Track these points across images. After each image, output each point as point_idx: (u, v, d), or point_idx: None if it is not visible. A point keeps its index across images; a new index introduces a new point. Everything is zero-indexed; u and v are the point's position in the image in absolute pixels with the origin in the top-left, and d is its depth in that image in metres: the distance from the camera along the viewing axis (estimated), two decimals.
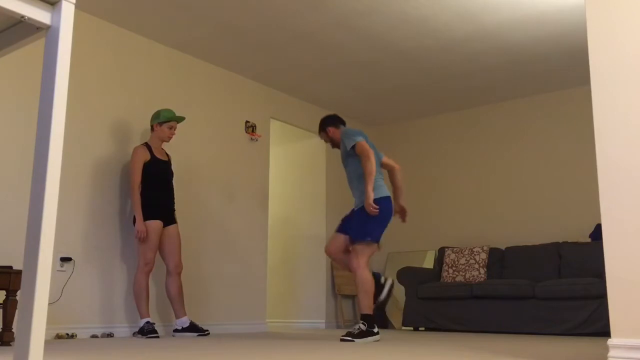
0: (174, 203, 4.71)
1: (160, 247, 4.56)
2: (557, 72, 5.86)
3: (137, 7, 4.61)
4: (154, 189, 4.55)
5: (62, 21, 1.12)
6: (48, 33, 1.13)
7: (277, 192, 7.00)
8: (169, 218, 4.61)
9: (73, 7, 1.13)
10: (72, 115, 4.48)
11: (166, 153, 4.78)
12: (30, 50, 4.30)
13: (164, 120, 4.64)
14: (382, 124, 7.46)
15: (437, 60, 5.62)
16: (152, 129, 4.68)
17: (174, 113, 4.70)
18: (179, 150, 5.11)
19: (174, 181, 4.75)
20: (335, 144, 4.53)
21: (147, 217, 4.45)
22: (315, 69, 5.81)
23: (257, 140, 6.04)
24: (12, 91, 4.20)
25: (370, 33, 5.05)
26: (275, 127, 6.70)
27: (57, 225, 4.22)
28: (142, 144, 4.65)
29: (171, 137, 4.71)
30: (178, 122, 4.73)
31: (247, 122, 5.96)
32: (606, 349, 2.23)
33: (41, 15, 1.11)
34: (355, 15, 4.74)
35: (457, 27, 4.95)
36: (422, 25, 4.91)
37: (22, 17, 1.09)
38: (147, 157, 4.57)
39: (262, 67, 5.75)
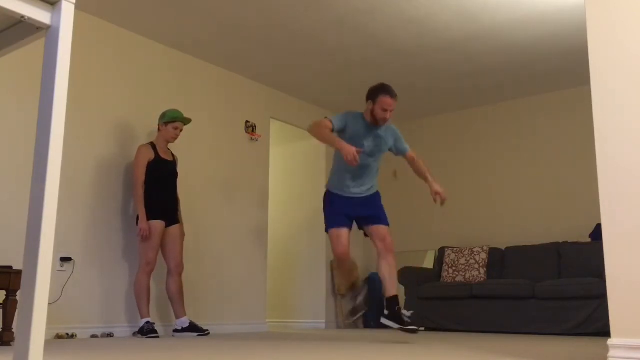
0: (177, 203, 4.71)
1: (162, 247, 4.56)
2: (557, 72, 5.86)
3: (137, 7, 4.61)
4: (156, 189, 4.55)
5: (62, 21, 1.12)
6: (48, 33, 1.13)
7: (277, 192, 7.00)
8: (171, 218, 4.61)
9: (73, 7, 1.13)
10: (72, 115, 4.49)
11: (172, 153, 4.78)
12: (31, 50, 4.30)
13: (169, 121, 4.64)
14: None
15: (437, 60, 5.62)
16: (159, 128, 4.69)
17: (181, 114, 4.69)
18: (179, 150, 5.10)
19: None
20: (385, 120, 4.08)
21: (149, 216, 4.45)
22: (316, 69, 5.81)
23: (257, 140, 6.04)
24: (12, 91, 4.20)
25: (371, 33, 5.05)
26: (275, 127, 6.70)
27: (57, 225, 4.23)
28: (147, 143, 4.65)
29: (176, 138, 4.71)
30: (184, 124, 4.73)
31: (247, 122, 5.96)
32: (606, 349, 2.23)
33: (41, 15, 1.11)
34: (356, 15, 4.74)
35: (457, 27, 4.95)
36: (422, 25, 4.91)
37: (22, 17, 1.09)
38: (152, 156, 4.57)
39: (262, 67, 5.75)
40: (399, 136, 4.28)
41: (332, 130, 4.01)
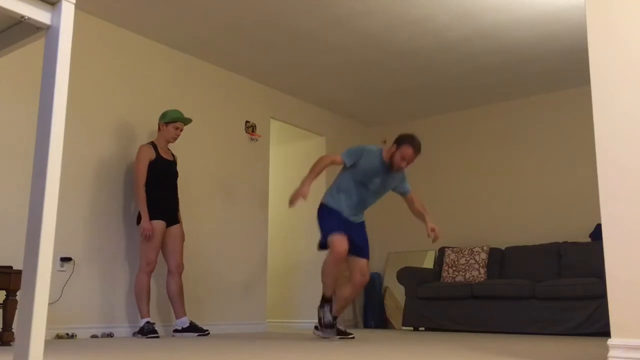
0: (177, 203, 4.71)
1: (162, 247, 4.56)
2: (557, 72, 5.86)
3: (137, 7, 4.61)
4: (157, 189, 4.55)
5: (62, 21, 1.12)
6: (48, 33, 1.13)
7: (277, 192, 7.00)
8: (172, 218, 4.61)
9: (73, 7, 1.13)
10: (72, 115, 4.49)
11: (172, 153, 4.78)
12: (31, 50, 4.30)
13: (170, 121, 4.64)
14: (382, 124, 7.46)
15: (437, 60, 5.62)
16: (159, 128, 4.69)
17: (181, 114, 4.70)
18: (179, 150, 5.10)
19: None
20: (400, 169, 4.23)
21: (150, 216, 4.45)
22: (315, 69, 5.81)
23: (257, 140, 6.04)
24: (12, 91, 4.20)
25: (371, 33, 5.05)
26: (275, 127, 6.70)
27: (57, 225, 4.23)
28: (148, 143, 4.65)
29: (176, 138, 4.71)
30: (185, 124, 4.73)
31: (247, 122, 5.96)
32: (606, 349, 2.23)
33: (41, 15, 1.11)
34: (356, 15, 4.74)
35: (457, 27, 4.95)
36: (422, 25, 4.91)
37: (22, 17, 1.09)
38: (152, 155, 4.57)
39: (262, 67, 5.75)
40: (404, 177, 4.40)
41: (344, 165, 4.24)
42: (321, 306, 4.24)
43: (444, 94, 6.48)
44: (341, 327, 4.38)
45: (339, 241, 4.07)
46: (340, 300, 4.26)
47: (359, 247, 4.26)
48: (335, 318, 4.26)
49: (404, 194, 4.45)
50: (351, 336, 4.30)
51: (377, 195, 4.33)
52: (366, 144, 4.37)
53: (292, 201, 4.02)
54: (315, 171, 4.15)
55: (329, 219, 4.23)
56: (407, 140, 4.17)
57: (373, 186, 4.25)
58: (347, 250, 4.08)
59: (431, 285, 5.95)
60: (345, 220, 4.25)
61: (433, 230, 4.26)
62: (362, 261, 4.25)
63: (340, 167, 4.42)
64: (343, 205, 4.25)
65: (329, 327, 4.20)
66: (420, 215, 4.46)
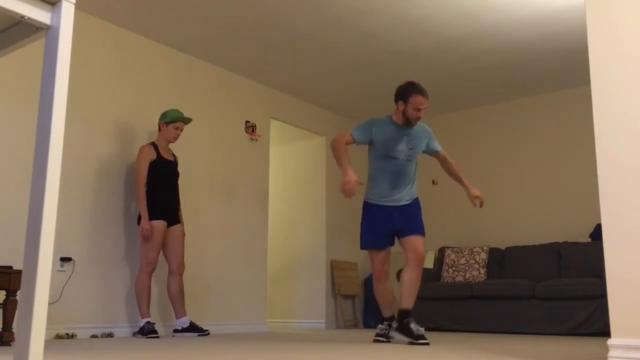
0: (178, 203, 4.71)
1: (163, 247, 4.56)
2: (557, 72, 5.86)
3: (137, 7, 4.61)
4: (158, 189, 4.55)
5: (62, 21, 1.12)
6: (48, 33, 1.13)
7: (277, 192, 7.00)
8: (173, 218, 4.61)
9: (73, 7, 1.13)
10: (72, 115, 4.49)
11: (173, 153, 4.78)
12: (31, 50, 4.30)
13: (170, 121, 4.64)
14: None
15: (436, 60, 5.62)
16: (159, 128, 4.68)
17: (181, 114, 4.69)
18: (179, 150, 5.10)
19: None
20: (418, 119, 3.98)
21: (151, 216, 4.45)
22: (315, 69, 5.81)
23: (257, 140, 6.04)
24: (12, 91, 4.20)
25: (371, 33, 5.05)
26: (275, 127, 6.70)
27: (57, 225, 4.23)
28: (149, 143, 4.65)
29: (177, 138, 4.71)
30: (185, 123, 4.73)
31: (247, 122, 5.96)
32: (606, 349, 2.23)
33: (41, 15, 1.11)
34: (356, 16, 4.74)
35: (457, 27, 4.95)
36: (422, 25, 4.91)
37: (22, 17, 1.09)
38: (153, 156, 4.57)
39: (262, 67, 5.75)
40: (432, 135, 4.15)
41: (355, 143, 3.97)
42: (388, 326, 3.97)
43: (444, 94, 6.48)
44: (416, 329, 3.81)
45: (375, 259, 4.00)
46: (402, 291, 3.91)
47: (407, 228, 3.96)
48: (405, 312, 3.86)
49: (435, 153, 4.18)
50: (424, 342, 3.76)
51: (410, 162, 4.02)
52: (374, 116, 4.14)
53: (348, 193, 3.68)
54: (342, 157, 3.87)
55: (369, 224, 4.03)
56: (411, 90, 3.94)
57: (400, 154, 3.96)
58: (385, 265, 3.98)
59: (431, 285, 5.95)
60: (387, 215, 3.97)
61: (477, 197, 3.99)
62: (411, 238, 3.93)
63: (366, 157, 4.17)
64: (382, 192, 3.99)
65: (422, 338, 3.71)
66: (457, 178, 4.17)
